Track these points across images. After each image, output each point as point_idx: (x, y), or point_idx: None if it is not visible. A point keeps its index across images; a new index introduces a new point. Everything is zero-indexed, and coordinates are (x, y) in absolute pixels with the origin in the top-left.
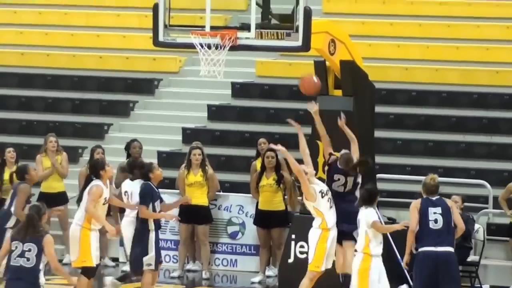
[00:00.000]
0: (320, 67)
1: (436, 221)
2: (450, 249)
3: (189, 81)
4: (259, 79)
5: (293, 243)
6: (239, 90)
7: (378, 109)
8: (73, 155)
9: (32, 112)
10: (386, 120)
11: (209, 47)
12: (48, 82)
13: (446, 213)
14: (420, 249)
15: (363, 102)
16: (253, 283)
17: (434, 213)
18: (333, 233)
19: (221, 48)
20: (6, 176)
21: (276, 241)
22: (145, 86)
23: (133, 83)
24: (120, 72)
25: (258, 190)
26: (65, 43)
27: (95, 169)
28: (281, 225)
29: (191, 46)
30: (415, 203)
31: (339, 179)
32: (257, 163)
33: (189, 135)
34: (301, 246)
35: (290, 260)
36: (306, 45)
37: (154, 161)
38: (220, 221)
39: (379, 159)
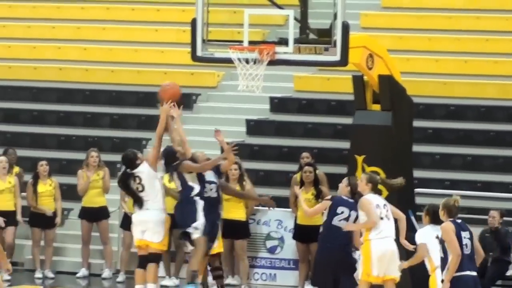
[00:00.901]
0: (358, 82)
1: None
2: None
3: (227, 96)
4: (297, 94)
5: None
6: (277, 104)
7: (416, 123)
8: (112, 169)
9: (71, 127)
10: (424, 135)
11: (247, 61)
12: (87, 97)
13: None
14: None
15: (401, 117)
16: None
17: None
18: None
19: (259, 63)
20: (40, 189)
21: (315, 255)
22: (183, 100)
23: None
24: (158, 87)
25: (296, 205)
26: (103, 58)
27: (131, 162)
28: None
29: (229, 61)
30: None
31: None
32: (298, 177)
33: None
34: None
35: None
36: (344, 60)
37: None
38: (259, 236)
39: (417, 173)
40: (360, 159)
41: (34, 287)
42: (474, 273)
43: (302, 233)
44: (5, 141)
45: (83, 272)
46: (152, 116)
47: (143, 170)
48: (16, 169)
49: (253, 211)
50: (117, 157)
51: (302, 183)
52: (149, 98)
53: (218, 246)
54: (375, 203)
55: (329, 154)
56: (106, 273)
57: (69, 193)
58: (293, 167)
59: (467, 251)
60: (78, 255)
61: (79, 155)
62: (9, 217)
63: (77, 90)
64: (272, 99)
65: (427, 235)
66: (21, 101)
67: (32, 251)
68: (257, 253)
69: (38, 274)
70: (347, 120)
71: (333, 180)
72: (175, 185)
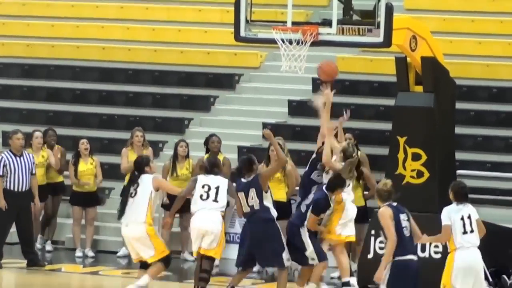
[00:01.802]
0: (401, 64)
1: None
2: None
3: (270, 76)
4: (340, 75)
5: (372, 238)
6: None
7: (459, 105)
8: (154, 149)
9: (113, 106)
10: (466, 117)
11: (290, 42)
12: (129, 76)
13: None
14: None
15: (444, 99)
16: (332, 278)
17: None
18: None
19: (302, 43)
20: (81, 167)
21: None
22: (226, 81)
23: (214, 78)
24: (201, 67)
25: None
26: (146, 37)
27: (140, 165)
28: (361, 221)
29: (272, 41)
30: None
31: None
32: None
33: (270, 130)
34: (381, 242)
35: (370, 256)
36: (387, 41)
37: (234, 156)
38: None
39: (459, 155)
40: (402, 140)
41: (74, 265)
42: (416, 257)
43: None
44: (47, 120)
45: (123, 251)
46: (194, 96)
47: (146, 181)
48: (58, 148)
49: (294, 191)
50: (159, 137)
51: None
52: (192, 78)
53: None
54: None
55: (371, 135)
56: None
57: (110, 172)
58: None
59: (407, 233)
60: (119, 234)
61: (121, 135)
62: (43, 192)
63: (120, 70)
64: (314, 80)
65: (452, 215)
66: (63, 80)
67: (72, 229)
68: None
69: (78, 253)
70: (390, 102)
71: (375, 162)
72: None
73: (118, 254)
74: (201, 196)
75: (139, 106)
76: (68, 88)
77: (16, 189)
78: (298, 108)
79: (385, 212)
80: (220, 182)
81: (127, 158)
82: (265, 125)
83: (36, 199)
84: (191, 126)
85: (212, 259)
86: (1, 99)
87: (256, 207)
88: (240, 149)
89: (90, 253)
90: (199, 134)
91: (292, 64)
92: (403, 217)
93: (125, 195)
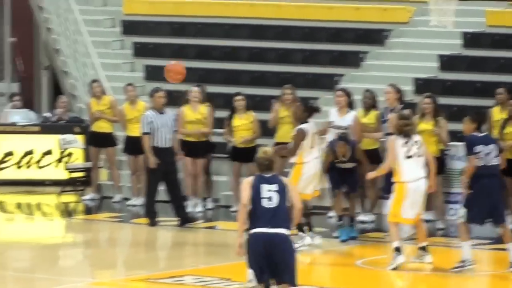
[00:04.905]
0: None
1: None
2: None
3: (419, 31)
4: (490, 29)
5: None
6: (470, 40)
7: None
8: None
9: (263, 63)
10: None
11: None
12: (279, 33)
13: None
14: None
15: None
16: None
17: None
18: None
19: None
20: (236, 123)
21: None
22: (376, 36)
23: (363, 33)
24: (350, 23)
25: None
26: None
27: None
28: None
29: None
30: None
31: None
32: (494, 111)
33: (420, 85)
34: None
35: None
36: None
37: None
38: (454, 171)
39: None
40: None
41: (230, 222)
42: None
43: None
44: (198, 77)
45: None
46: (343, 52)
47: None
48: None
49: (447, 146)
50: (310, 93)
51: (507, 118)
52: (341, 34)
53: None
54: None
55: None
56: None
57: (262, 129)
58: (487, 102)
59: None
60: None
61: (272, 91)
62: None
63: (270, 26)
64: (465, 34)
65: None
66: (213, 37)
67: (232, 186)
68: (452, 188)
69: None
70: None
71: None
72: None
73: None
74: None
75: (290, 62)
76: (218, 46)
77: (160, 145)
78: (449, 63)
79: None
80: None
81: (276, 113)
82: (415, 81)
83: (179, 156)
84: (342, 82)
85: None
86: (151, 57)
87: None
88: None
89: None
90: (350, 90)
91: (441, 19)
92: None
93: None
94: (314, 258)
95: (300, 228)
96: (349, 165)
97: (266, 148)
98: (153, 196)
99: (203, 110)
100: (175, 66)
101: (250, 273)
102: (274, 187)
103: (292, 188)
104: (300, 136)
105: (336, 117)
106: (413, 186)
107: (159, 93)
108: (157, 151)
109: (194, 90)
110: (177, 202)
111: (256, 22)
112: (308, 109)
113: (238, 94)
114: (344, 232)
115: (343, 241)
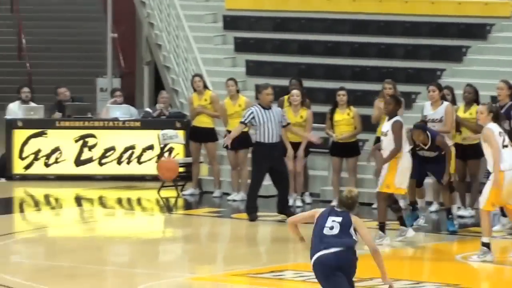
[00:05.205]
0: None
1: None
2: None
3: None
4: None
5: None
6: None
7: None
8: (406, 100)
9: (365, 58)
10: None
11: None
12: (381, 28)
13: None
14: None
15: None
16: None
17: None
18: None
19: None
20: (337, 117)
21: None
22: (478, 31)
23: (465, 28)
24: (452, 17)
25: None
26: None
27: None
28: None
29: None
30: None
31: None
32: None
33: None
34: None
35: None
36: None
37: None
38: None
39: None
40: None
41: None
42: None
43: None
44: (299, 72)
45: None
46: (446, 46)
47: None
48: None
49: None
50: (412, 88)
51: None
52: (443, 29)
53: None
54: (497, 132)
55: None
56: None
57: (364, 124)
58: None
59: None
60: (374, 186)
61: (374, 86)
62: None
63: (371, 21)
64: None
65: None
66: (315, 32)
67: (332, 180)
68: None
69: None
70: None
71: None
72: None
73: (373, 206)
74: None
75: (391, 57)
76: (320, 41)
77: (266, 141)
78: None
79: None
80: None
81: (379, 110)
82: None
83: (289, 151)
84: (444, 77)
85: None
86: (252, 52)
87: None
88: (493, 98)
89: (308, 200)
90: (452, 85)
91: None
92: None
93: None
94: (412, 253)
95: (382, 228)
96: (430, 153)
97: (353, 188)
98: (256, 190)
99: (303, 113)
100: (168, 163)
101: None
102: (339, 219)
103: (361, 225)
104: (400, 127)
105: (429, 110)
106: (509, 174)
107: (267, 89)
108: (263, 146)
109: (295, 94)
110: (283, 198)
111: (358, 17)
112: (399, 102)
113: (342, 88)
114: (409, 219)
115: (411, 225)
